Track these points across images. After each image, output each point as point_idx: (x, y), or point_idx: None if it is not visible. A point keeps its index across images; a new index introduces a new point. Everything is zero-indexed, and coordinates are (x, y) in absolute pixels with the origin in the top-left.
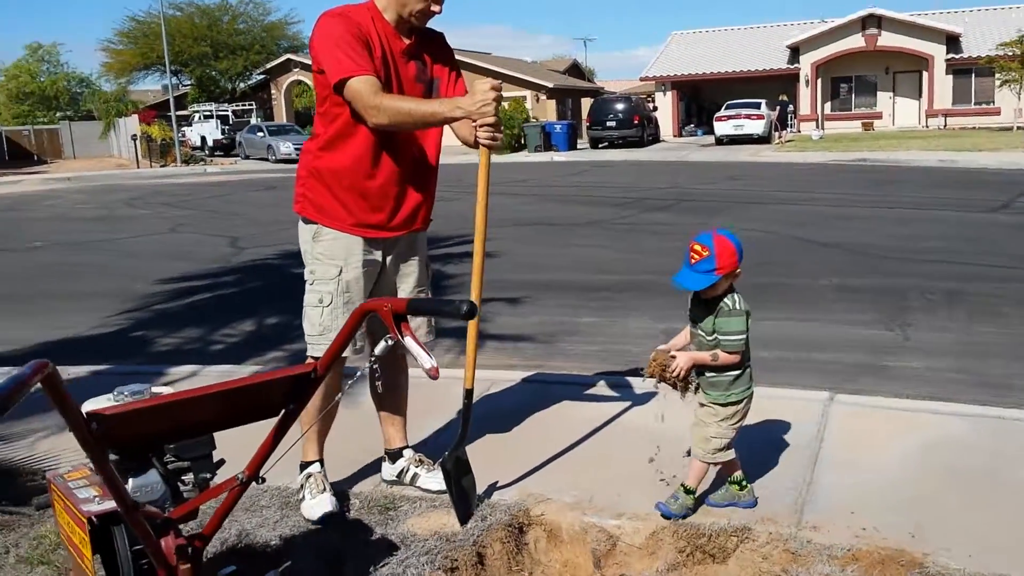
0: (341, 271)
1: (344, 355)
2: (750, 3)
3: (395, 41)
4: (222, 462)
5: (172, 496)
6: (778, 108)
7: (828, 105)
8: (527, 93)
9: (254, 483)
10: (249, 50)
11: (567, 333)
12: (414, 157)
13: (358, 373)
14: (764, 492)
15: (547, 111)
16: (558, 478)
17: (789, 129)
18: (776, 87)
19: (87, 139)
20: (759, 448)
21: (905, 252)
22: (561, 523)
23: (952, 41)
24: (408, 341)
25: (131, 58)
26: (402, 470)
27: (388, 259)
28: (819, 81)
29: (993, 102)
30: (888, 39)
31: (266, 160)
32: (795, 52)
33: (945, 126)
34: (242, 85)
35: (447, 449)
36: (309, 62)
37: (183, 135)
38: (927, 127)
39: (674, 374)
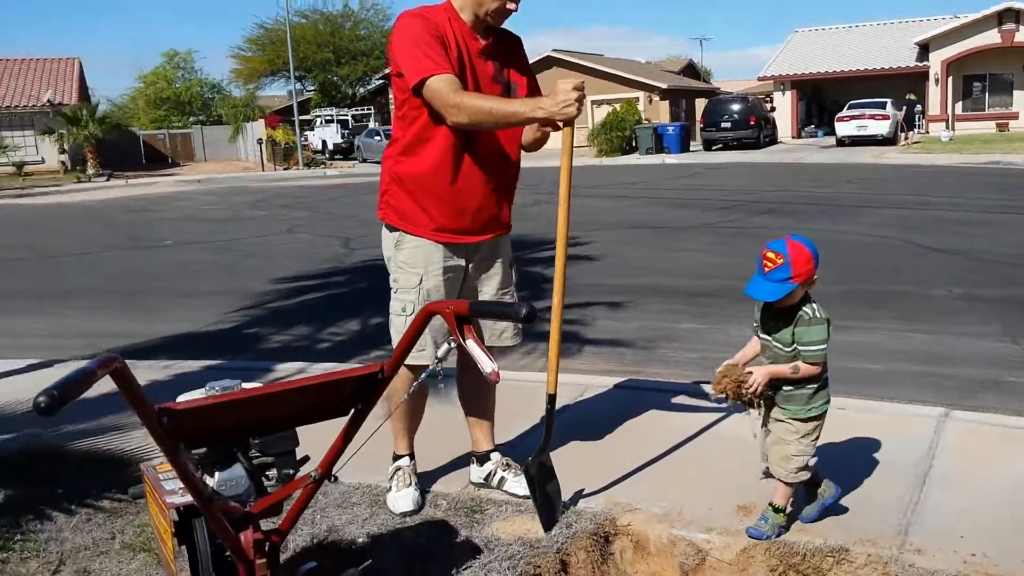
0: (422, 280)
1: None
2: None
3: (472, 41)
4: (306, 458)
5: (256, 491)
6: (905, 108)
7: (959, 105)
8: (640, 94)
9: (329, 481)
10: (369, 55)
11: (667, 339)
12: (495, 159)
13: (421, 376)
14: (867, 511)
15: (660, 112)
16: (647, 488)
17: (917, 130)
18: (903, 86)
19: (217, 143)
20: (865, 464)
21: None
22: (649, 534)
23: None
24: (470, 344)
25: (259, 64)
26: (489, 473)
27: (471, 264)
28: (950, 79)
29: None
30: None
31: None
32: (924, 49)
33: None
34: (362, 90)
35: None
36: None
37: (305, 139)
38: None
39: (751, 391)
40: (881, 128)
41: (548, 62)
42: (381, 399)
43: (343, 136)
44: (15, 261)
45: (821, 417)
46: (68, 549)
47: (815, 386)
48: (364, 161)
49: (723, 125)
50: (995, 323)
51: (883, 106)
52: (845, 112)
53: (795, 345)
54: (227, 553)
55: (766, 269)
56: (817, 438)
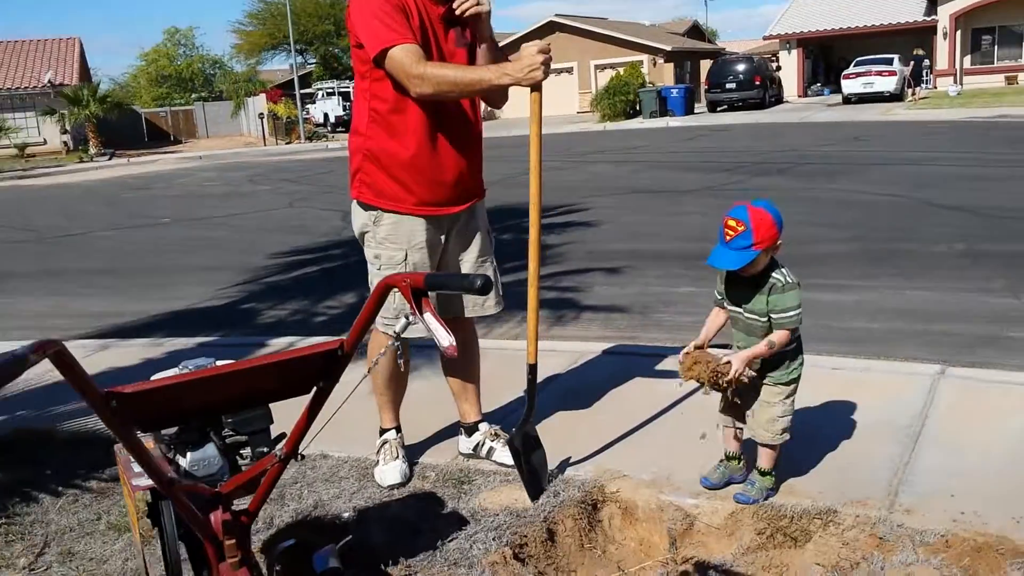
0: (407, 254)
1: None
2: None
3: (432, 7)
4: (282, 436)
5: (230, 470)
6: (912, 63)
7: (968, 59)
8: (644, 57)
9: (295, 460)
10: None
11: (664, 304)
12: (464, 125)
13: (381, 351)
14: (858, 473)
15: (664, 75)
16: (636, 455)
17: (924, 85)
18: (911, 41)
19: (219, 119)
20: (858, 425)
21: None
22: (637, 501)
23: None
24: (427, 317)
25: (259, 39)
26: (478, 443)
27: (451, 233)
28: (958, 33)
29: None
30: None
31: None
32: (932, 3)
33: None
34: None
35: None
36: None
37: (307, 112)
38: None
39: (730, 379)
40: (888, 84)
41: (551, 27)
42: (370, 374)
43: (344, 109)
44: (14, 243)
45: (799, 378)
46: (53, 531)
47: (793, 347)
48: None
49: (728, 86)
50: (998, 279)
51: (890, 62)
52: (851, 69)
53: (769, 313)
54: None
55: (728, 237)
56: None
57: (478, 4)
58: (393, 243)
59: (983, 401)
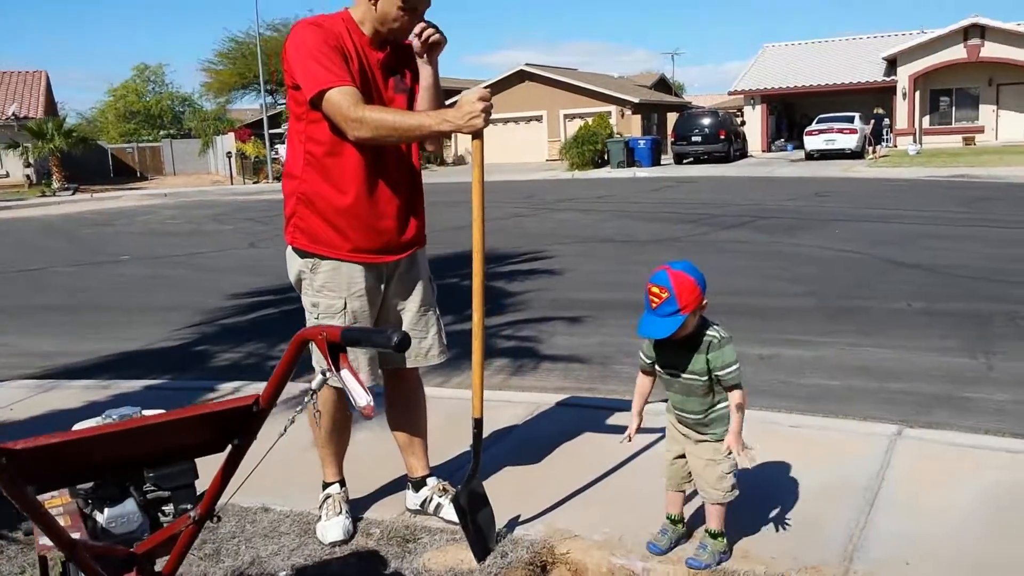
0: (346, 303)
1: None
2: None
3: (371, 52)
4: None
5: (151, 527)
6: (872, 122)
7: (927, 119)
8: (612, 108)
9: (211, 522)
10: None
11: (625, 354)
12: (404, 171)
13: (298, 409)
14: (813, 536)
15: (632, 127)
16: (589, 513)
17: (885, 144)
18: (871, 100)
19: (187, 156)
20: (812, 486)
21: (996, 274)
22: (587, 563)
23: None
24: (344, 375)
25: (229, 77)
26: (425, 499)
27: (392, 281)
28: (917, 94)
29: None
30: (992, 50)
31: None
32: (892, 64)
33: None
34: None
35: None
36: None
37: (276, 152)
38: None
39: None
40: (849, 142)
41: (521, 76)
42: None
43: None
44: None
45: None
46: None
47: (726, 403)
48: None
49: (694, 139)
50: (954, 338)
51: (851, 120)
52: (814, 126)
53: (710, 372)
54: None
55: (653, 304)
56: None
57: (438, 33)
58: (331, 291)
59: (939, 463)
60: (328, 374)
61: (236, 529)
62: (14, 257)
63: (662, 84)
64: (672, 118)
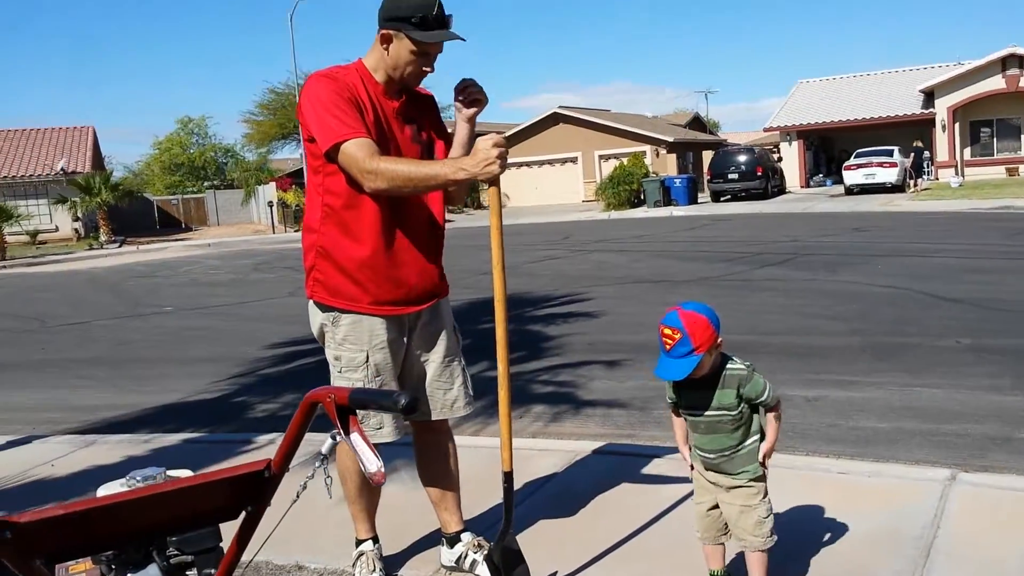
0: (368, 356)
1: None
2: (880, 50)
3: (386, 102)
4: None
5: None
6: (912, 155)
7: (968, 150)
8: (647, 148)
9: None
10: None
11: (663, 398)
12: (425, 222)
13: (309, 475)
14: None
15: (667, 165)
16: (629, 567)
17: (926, 177)
18: (910, 133)
19: (230, 206)
20: (862, 536)
21: None
22: None
23: None
24: (354, 437)
25: (270, 128)
26: (460, 555)
27: (414, 333)
28: (956, 126)
29: None
30: None
31: None
32: (929, 97)
33: None
34: None
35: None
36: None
37: None
38: None
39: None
40: (889, 176)
41: (555, 118)
42: (336, 482)
43: None
44: (17, 332)
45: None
46: None
47: (757, 438)
48: None
49: (730, 176)
50: (1006, 376)
51: (890, 154)
52: (852, 161)
53: (742, 405)
54: None
55: (667, 347)
56: None
57: (479, 92)
58: (353, 344)
59: (997, 510)
60: (338, 438)
61: None
62: (62, 311)
63: (696, 122)
64: (707, 156)
